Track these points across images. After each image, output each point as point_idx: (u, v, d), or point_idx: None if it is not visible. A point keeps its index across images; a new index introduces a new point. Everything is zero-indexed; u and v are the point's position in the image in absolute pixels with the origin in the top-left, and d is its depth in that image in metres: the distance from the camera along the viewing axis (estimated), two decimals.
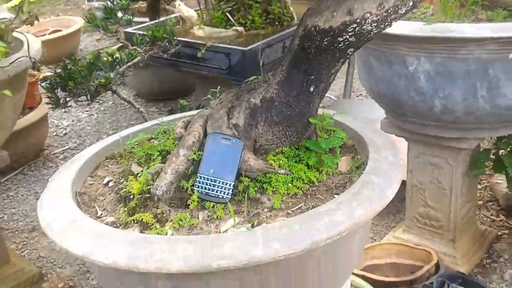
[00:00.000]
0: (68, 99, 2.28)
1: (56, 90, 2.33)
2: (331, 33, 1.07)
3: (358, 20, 1.05)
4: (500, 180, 2.63)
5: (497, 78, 1.79)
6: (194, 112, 1.38)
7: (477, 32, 1.72)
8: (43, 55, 3.31)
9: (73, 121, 4.10)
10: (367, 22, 1.05)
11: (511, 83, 1.79)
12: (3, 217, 2.85)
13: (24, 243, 2.65)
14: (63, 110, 4.19)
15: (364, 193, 1.06)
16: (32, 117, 3.29)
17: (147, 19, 4.28)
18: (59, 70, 2.31)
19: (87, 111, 4.25)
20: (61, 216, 1.08)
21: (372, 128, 1.34)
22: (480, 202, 2.67)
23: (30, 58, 1.89)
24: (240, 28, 3.06)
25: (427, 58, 1.83)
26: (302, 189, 1.14)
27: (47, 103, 2.34)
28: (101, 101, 4.28)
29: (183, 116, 1.46)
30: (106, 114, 4.18)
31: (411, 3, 1.06)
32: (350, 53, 1.12)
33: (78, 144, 3.69)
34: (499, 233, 2.43)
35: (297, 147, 1.23)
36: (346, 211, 1.01)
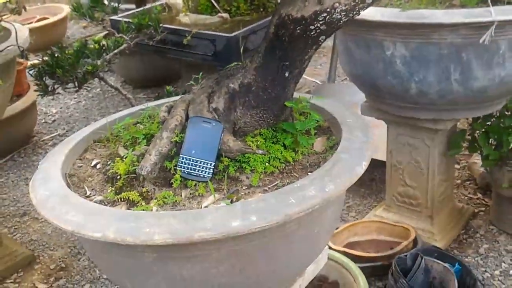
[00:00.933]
0: (56, 86, 2.33)
1: (44, 78, 2.38)
2: (303, 21, 1.14)
3: (328, 10, 1.12)
4: (477, 160, 2.73)
5: (470, 61, 1.87)
6: (179, 97, 1.45)
7: (449, 18, 1.79)
8: (30, 43, 3.36)
9: (61, 108, 4.15)
10: (336, 11, 1.12)
11: (483, 66, 1.87)
12: None
13: (16, 227, 2.71)
14: (51, 97, 4.24)
15: (335, 170, 1.14)
16: (20, 104, 3.34)
17: (133, 6, 4.32)
18: (46, 58, 2.36)
19: (75, 98, 4.30)
20: (53, 194, 1.15)
21: (346, 110, 1.41)
22: (459, 181, 2.77)
23: (18, 46, 1.95)
24: (225, 15, 3.12)
25: (403, 43, 1.91)
26: (279, 168, 1.21)
27: (35, 91, 2.39)
28: (89, 88, 4.34)
29: (168, 101, 1.53)
30: (94, 101, 4.23)
31: None
32: (322, 40, 1.19)
33: (66, 131, 3.75)
34: (476, 210, 2.53)
35: (274, 129, 1.30)
36: (318, 187, 1.09)
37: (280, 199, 1.06)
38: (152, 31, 2.63)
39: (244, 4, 3.15)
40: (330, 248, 2.17)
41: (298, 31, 1.16)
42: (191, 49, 2.94)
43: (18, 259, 2.42)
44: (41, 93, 2.33)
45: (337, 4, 1.12)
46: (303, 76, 4.22)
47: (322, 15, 1.13)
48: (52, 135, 3.70)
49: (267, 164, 1.21)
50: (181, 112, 1.25)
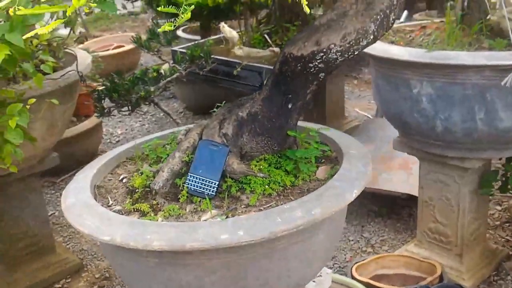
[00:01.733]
0: (112, 109, 2.57)
1: (103, 101, 2.63)
2: (303, 60, 1.27)
3: (324, 50, 1.24)
4: None
5: (494, 102, 1.91)
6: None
7: (473, 60, 1.86)
8: (99, 67, 3.67)
9: (126, 129, 4.45)
10: (332, 51, 1.24)
11: (507, 108, 1.91)
12: (54, 213, 3.19)
13: (70, 237, 2.96)
14: (118, 119, 4.56)
15: (326, 195, 1.24)
16: (87, 124, 3.64)
17: (198, 37, 4.60)
18: (106, 83, 2.62)
19: (140, 121, 4.60)
20: (79, 202, 1.33)
21: (353, 142, 1.51)
22: (497, 223, 2.74)
23: (77, 72, 2.19)
24: (277, 49, 3.29)
25: (429, 82, 1.98)
26: (277, 190, 1.33)
27: (94, 111, 2.64)
28: (152, 113, 4.64)
29: (197, 123, 1.69)
30: (156, 124, 4.50)
31: (371, 36, 1.25)
32: (321, 77, 1.31)
33: None
34: (511, 253, 2.50)
35: (279, 155, 1.43)
36: (305, 209, 1.19)
37: (268, 218, 1.17)
38: (203, 62, 2.83)
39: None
40: (354, 278, 2.23)
41: (299, 68, 1.29)
42: (241, 80, 3.11)
43: (68, 266, 2.64)
44: (97, 114, 2.57)
45: (333, 46, 1.24)
46: (356, 110, 4.29)
47: (319, 55, 1.25)
48: None
49: (266, 186, 1.33)
50: (195, 135, 1.41)
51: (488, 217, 2.54)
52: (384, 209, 2.95)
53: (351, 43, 1.24)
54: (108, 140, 4.25)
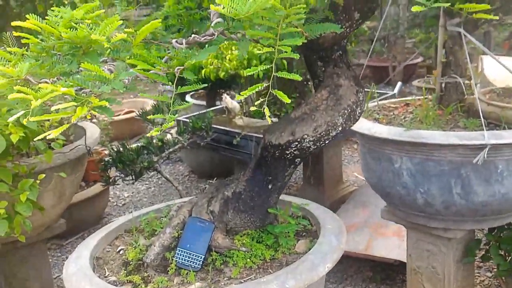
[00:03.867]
0: (116, 178, 2.74)
1: (109, 170, 2.81)
2: (280, 147, 1.44)
3: (299, 140, 1.41)
4: None
5: (469, 178, 2.04)
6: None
7: (446, 139, 2.01)
8: (108, 135, 3.87)
9: (132, 192, 4.61)
10: (305, 141, 1.41)
11: (482, 183, 2.04)
12: (60, 275, 3.30)
13: None
14: (125, 182, 4.72)
15: (299, 269, 1.37)
16: (95, 189, 3.80)
17: (204, 103, 4.86)
18: (112, 152, 2.80)
19: (146, 184, 4.77)
20: (78, 271, 1.47)
21: (330, 216, 1.65)
22: None
23: (86, 146, 2.37)
24: (275, 119, 3.48)
25: (408, 157, 2.13)
26: (258, 264, 1.46)
27: (99, 181, 2.81)
28: (158, 176, 4.80)
29: (188, 200, 1.85)
30: (161, 187, 4.67)
31: (340, 128, 1.41)
32: (298, 162, 1.47)
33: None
34: None
35: (262, 230, 1.57)
36: (280, 281, 1.32)
37: None
38: (205, 133, 3.01)
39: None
40: None
41: (277, 154, 1.45)
42: (240, 148, 3.29)
43: None
44: (103, 183, 2.74)
45: (306, 136, 1.41)
46: (355, 174, 4.40)
47: (294, 144, 1.42)
48: (120, 217, 4.13)
49: (248, 260, 1.46)
50: (185, 212, 1.56)
51: (477, 284, 2.62)
52: (378, 276, 3.04)
53: (322, 134, 1.40)
54: (115, 203, 4.40)
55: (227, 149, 3.39)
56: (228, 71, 3.51)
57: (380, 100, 2.78)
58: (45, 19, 1.33)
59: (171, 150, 2.88)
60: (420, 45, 6.55)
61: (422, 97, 2.63)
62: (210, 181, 2.84)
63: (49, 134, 1.08)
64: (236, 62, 3.45)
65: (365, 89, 1.68)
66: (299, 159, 1.47)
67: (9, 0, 2.77)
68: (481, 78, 2.88)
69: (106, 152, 3.82)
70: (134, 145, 2.98)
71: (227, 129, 3.32)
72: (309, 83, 3.58)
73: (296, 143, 1.41)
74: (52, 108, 1.08)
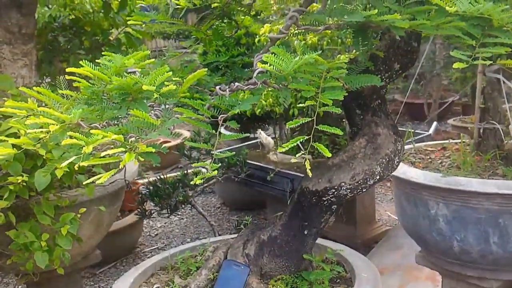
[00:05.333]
0: (152, 211, 2.79)
1: (145, 203, 2.86)
2: (317, 194, 1.45)
3: (336, 187, 1.43)
4: None
5: (507, 227, 2.02)
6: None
7: (483, 188, 1.99)
8: (145, 166, 3.94)
9: (165, 223, 4.66)
10: (342, 188, 1.43)
11: None
12: None
13: None
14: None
15: None
16: (129, 219, 3.86)
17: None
18: (150, 187, 2.86)
19: (179, 215, 4.81)
20: None
21: (365, 264, 1.65)
22: None
23: (125, 180, 2.44)
24: (308, 156, 3.49)
25: (445, 204, 2.12)
26: None
27: (135, 214, 2.87)
28: (191, 207, 4.84)
29: (224, 239, 1.87)
30: (194, 219, 4.70)
31: (378, 177, 1.43)
32: (334, 209, 1.49)
33: (165, 245, 4.20)
34: None
35: (296, 275, 1.58)
36: None
37: None
38: (239, 169, 3.05)
39: (327, 148, 3.51)
40: None
41: (314, 200, 1.47)
42: (273, 184, 3.31)
43: None
44: (139, 216, 2.79)
45: (343, 184, 1.42)
46: (388, 213, 4.33)
47: (331, 191, 1.43)
48: (152, 247, 4.17)
49: None
50: (221, 254, 1.58)
51: None
52: None
53: (359, 182, 1.42)
54: (148, 233, 4.45)
55: (261, 184, 3.42)
56: (263, 108, 3.56)
57: (416, 141, 2.78)
58: (96, 63, 1.40)
59: (205, 185, 2.92)
60: (456, 84, 6.50)
61: (459, 140, 2.62)
62: (241, 219, 2.86)
63: (98, 179, 1.13)
64: (272, 99, 3.49)
65: (400, 128, 1.69)
66: (335, 206, 1.48)
67: (58, 36, 2.90)
68: None
69: (141, 181, 3.89)
70: (169, 177, 3.03)
71: (261, 164, 3.35)
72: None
73: (333, 190, 1.43)
74: (102, 154, 1.13)
